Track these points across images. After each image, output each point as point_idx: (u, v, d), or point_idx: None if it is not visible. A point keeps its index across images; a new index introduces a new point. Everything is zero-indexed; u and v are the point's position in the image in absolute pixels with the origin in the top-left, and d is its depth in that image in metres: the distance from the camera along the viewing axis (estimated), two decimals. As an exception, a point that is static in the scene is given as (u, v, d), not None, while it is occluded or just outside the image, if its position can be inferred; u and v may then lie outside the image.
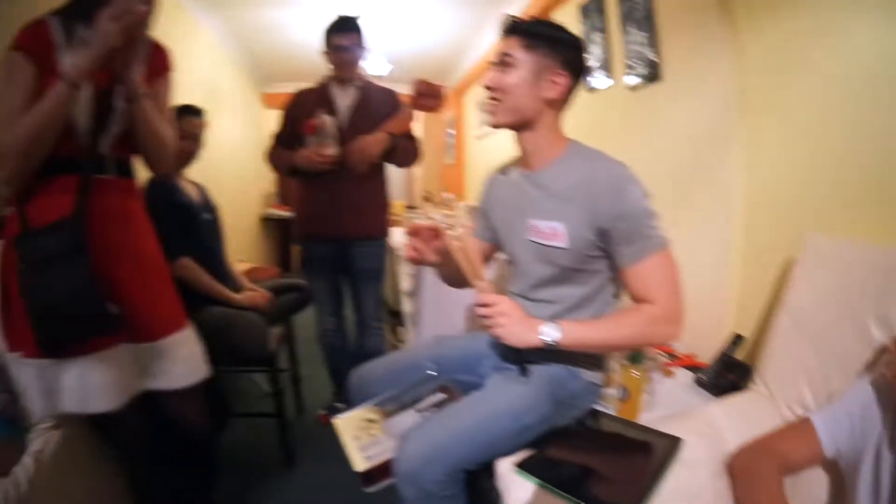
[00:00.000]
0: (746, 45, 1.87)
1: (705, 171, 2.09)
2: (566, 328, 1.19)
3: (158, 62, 1.50)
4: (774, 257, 1.71)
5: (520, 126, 1.33)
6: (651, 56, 2.41)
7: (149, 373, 1.41)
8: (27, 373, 1.29)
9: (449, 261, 1.31)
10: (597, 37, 2.91)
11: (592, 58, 2.95)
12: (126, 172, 1.45)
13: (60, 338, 1.23)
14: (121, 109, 1.34)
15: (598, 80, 2.93)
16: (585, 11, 3.04)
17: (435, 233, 1.35)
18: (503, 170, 1.52)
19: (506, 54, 1.29)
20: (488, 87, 1.32)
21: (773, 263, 1.71)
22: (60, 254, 1.21)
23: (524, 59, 1.27)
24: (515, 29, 1.31)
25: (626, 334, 1.22)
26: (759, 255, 1.81)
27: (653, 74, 2.41)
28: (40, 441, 1.34)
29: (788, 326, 1.49)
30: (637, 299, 1.25)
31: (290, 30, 5.03)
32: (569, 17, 3.30)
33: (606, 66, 2.84)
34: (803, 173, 1.67)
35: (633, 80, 2.57)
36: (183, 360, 1.45)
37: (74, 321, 1.23)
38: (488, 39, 4.97)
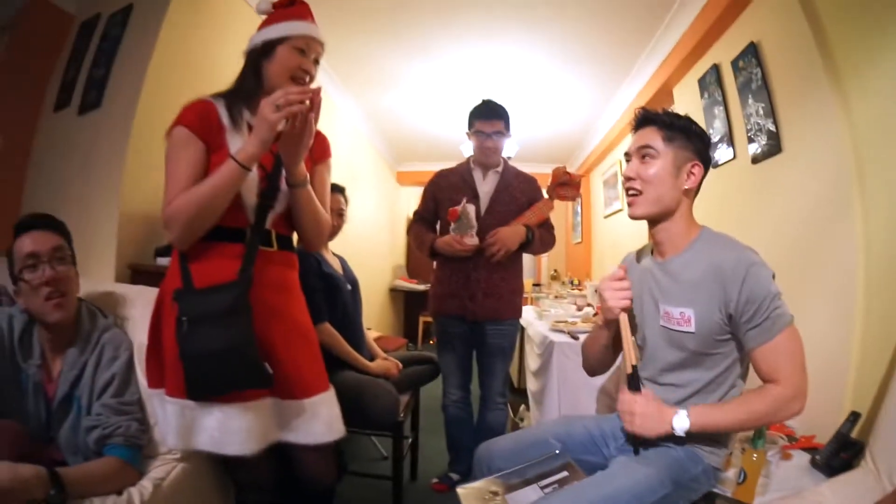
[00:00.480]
0: (855, 105, 1.88)
1: (824, 243, 2.05)
2: (694, 416, 1.27)
3: (320, 149, 1.66)
4: (892, 328, 1.65)
5: (659, 217, 1.39)
6: (770, 126, 2.43)
7: (289, 427, 1.46)
8: (169, 410, 1.37)
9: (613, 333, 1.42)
10: (717, 110, 2.96)
11: (714, 132, 3.00)
12: (287, 246, 1.58)
13: (213, 386, 1.32)
14: (285, 191, 1.48)
15: (720, 152, 2.95)
16: (703, 84, 3.13)
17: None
18: (637, 256, 1.60)
19: (647, 146, 1.36)
20: (630, 178, 1.38)
21: (892, 335, 1.65)
22: (225, 311, 1.31)
23: (665, 151, 1.35)
24: (655, 121, 1.38)
25: (752, 417, 1.27)
26: (879, 330, 1.74)
27: (773, 145, 2.42)
28: (162, 470, 1.46)
29: (898, 399, 1.44)
30: (764, 378, 1.28)
31: (413, 114, 5.45)
32: (688, 92, 3.41)
33: (728, 139, 2.86)
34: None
35: (754, 151, 2.58)
36: (322, 420, 1.49)
37: (230, 373, 1.32)
38: (612, 118, 5.09)
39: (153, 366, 1.47)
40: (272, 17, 1.52)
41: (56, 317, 1.43)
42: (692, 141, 1.37)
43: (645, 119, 1.41)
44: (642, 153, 1.37)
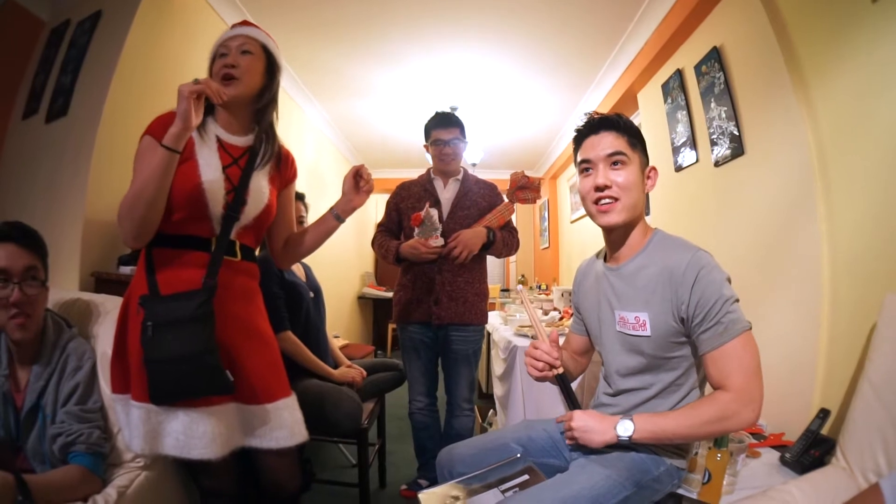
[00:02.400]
0: (819, 107, 1.91)
1: (789, 242, 2.08)
2: (638, 424, 1.25)
3: (292, 171, 1.76)
4: (860, 325, 1.67)
5: (630, 223, 1.37)
6: (733, 130, 2.47)
7: (252, 433, 1.50)
8: (135, 415, 1.39)
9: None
10: (680, 114, 3.01)
11: (677, 136, 3.05)
12: (250, 257, 1.62)
13: (175, 391, 1.36)
14: (251, 204, 1.54)
15: (683, 156, 3.00)
16: (667, 89, 3.18)
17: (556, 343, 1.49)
18: (590, 263, 1.61)
19: (620, 152, 1.33)
20: (604, 187, 1.34)
21: (860, 332, 1.67)
22: (189, 318, 1.35)
23: (633, 156, 1.35)
24: (618, 126, 1.37)
25: (697, 424, 1.21)
26: (846, 327, 1.77)
27: (735, 148, 2.46)
28: (126, 478, 1.48)
29: (868, 393, 1.46)
30: (714, 384, 1.25)
31: (382, 121, 5.48)
32: (652, 97, 3.46)
33: (692, 143, 2.91)
34: (884, 236, 1.64)
35: (717, 154, 2.63)
36: (285, 424, 1.53)
37: (192, 379, 1.35)
38: (578, 124, 5.14)
39: (118, 371, 1.48)
40: None
41: (18, 336, 1.44)
42: (644, 146, 1.39)
43: (603, 123, 1.38)
44: (613, 160, 1.34)
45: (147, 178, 1.36)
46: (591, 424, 1.30)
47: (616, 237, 1.42)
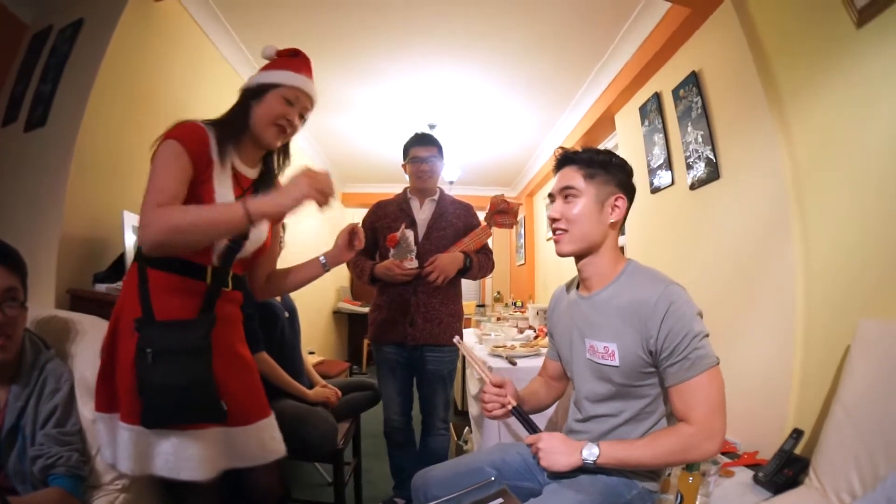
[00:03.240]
0: (795, 131, 1.96)
1: (764, 266, 2.12)
2: (604, 449, 1.28)
3: None
4: (834, 348, 1.70)
5: (586, 252, 1.42)
6: (709, 154, 2.52)
7: (236, 453, 1.51)
8: (124, 436, 1.38)
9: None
10: (657, 137, 3.06)
11: (653, 158, 3.10)
12: (239, 286, 1.62)
13: (169, 417, 1.36)
14: (252, 239, 1.54)
15: (659, 178, 3.04)
16: (644, 112, 3.23)
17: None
18: (562, 290, 1.64)
19: (569, 187, 1.39)
20: (555, 219, 1.41)
21: (833, 355, 1.70)
22: (189, 349, 1.36)
23: (586, 189, 1.38)
24: (574, 160, 1.42)
25: (660, 454, 1.25)
26: (820, 349, 1.80)
27: (711, 172, 2.50)
28: (105, 500, 1.47)
29: (840, 415, 1.49)
30: (678, 416, 1.27)
31: (361, 137, 5.49)
32: (630, 118, 3.51)
33: (668, 165, 2.95)
34: (857, 259, 1.68)
35: (693, 178, 2.67)
36: (265, 443, 1.58)
37: (187, 407, 1.36)
38: (556, 142, 5.22)
39: (104, 390, 1.45)
40: (272, 63, 1.61)
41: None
42: (613, 174, 1.40)
43: (565, 159, 1.45)
44: (565, 193, 1.40)
45: (215, 221, 1.36)
46: (557, 446, 1.33)
47: (583, 266, 1.45)
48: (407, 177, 2.66)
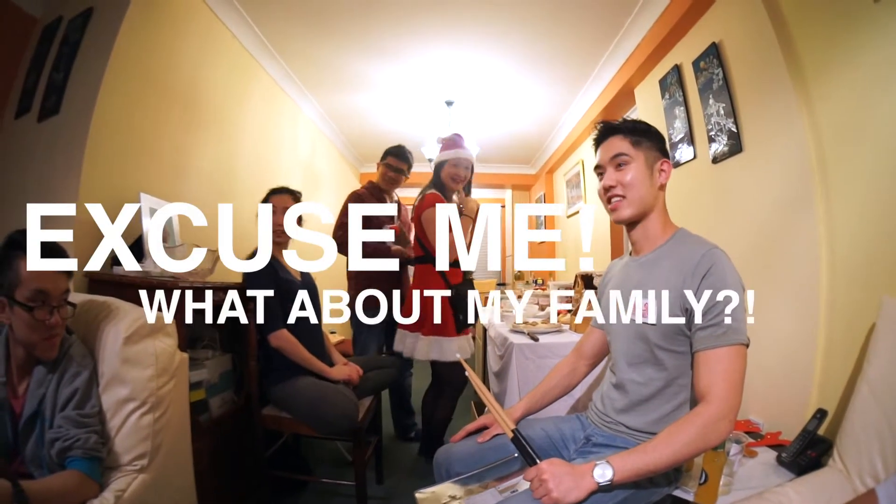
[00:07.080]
0: (818, 105, 1.91)
1: (787, 242, 2.08)
2: (617, 464, 1.16)
3: None
4: (858, 326, 1.67)
5: (642, 215, 1.45)
6: (731, 126, 2.47)
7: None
8: (423, 341, 2.63)
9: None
10: (678, 110, 3.00)
11: (675, 132, 3.04)
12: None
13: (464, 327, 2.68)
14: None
15: (681, 152, 2.99)
16: (664, 85, 3.17)
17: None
18: (620, 259, 1.66)
19: (620, 154, 1.42)
20: (610, 187, 1.44)
21: (857, 333, 1.66)
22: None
23: (636, 154, 1.42)
24: (619, 129, 1.45)
25: (679, 448, 1.16)
26: (844, 328, 1.77)
27: (733, 145, 2.46)
28: (123, 481, 1.48)
29: (866, 396, 1.46)
30: (698, 390, 1.22)
31: (378, 116, 5.47)
32: (650, 92, 3.45)
33: (689, 139, 2.90)
34: (882, 234, 1.65)
35: (715, 151, 2.63)
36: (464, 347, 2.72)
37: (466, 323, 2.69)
38: (575, 118, 5.17)
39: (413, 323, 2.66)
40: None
41: (47, 356, 1.44)
42: (655, 141, 1.44)
43: (608, 130, 1.48)
44: (616, 161, 1.43)
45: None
46: (562, 476, 1.18)
47: (634, 231, 1.49)
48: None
